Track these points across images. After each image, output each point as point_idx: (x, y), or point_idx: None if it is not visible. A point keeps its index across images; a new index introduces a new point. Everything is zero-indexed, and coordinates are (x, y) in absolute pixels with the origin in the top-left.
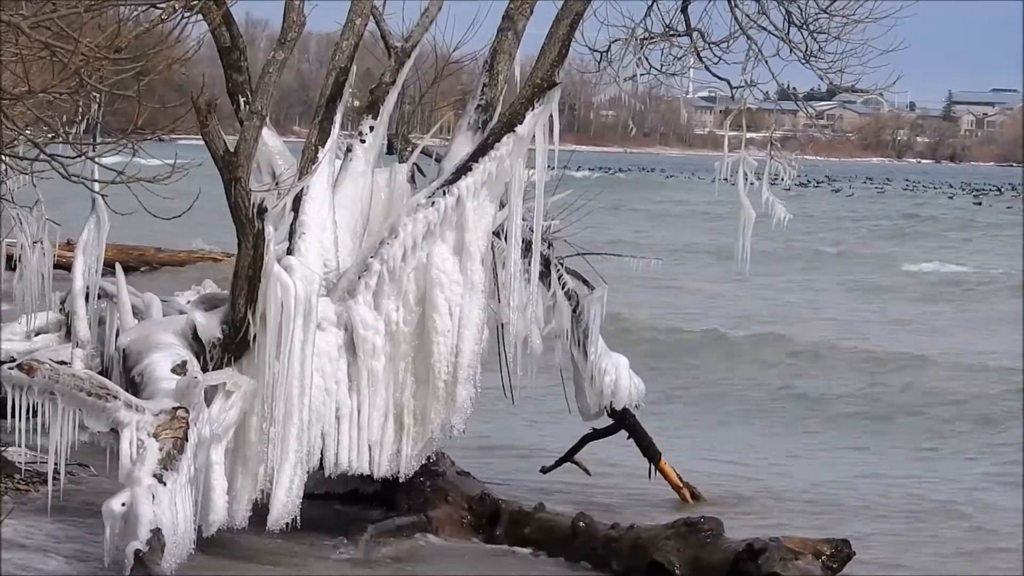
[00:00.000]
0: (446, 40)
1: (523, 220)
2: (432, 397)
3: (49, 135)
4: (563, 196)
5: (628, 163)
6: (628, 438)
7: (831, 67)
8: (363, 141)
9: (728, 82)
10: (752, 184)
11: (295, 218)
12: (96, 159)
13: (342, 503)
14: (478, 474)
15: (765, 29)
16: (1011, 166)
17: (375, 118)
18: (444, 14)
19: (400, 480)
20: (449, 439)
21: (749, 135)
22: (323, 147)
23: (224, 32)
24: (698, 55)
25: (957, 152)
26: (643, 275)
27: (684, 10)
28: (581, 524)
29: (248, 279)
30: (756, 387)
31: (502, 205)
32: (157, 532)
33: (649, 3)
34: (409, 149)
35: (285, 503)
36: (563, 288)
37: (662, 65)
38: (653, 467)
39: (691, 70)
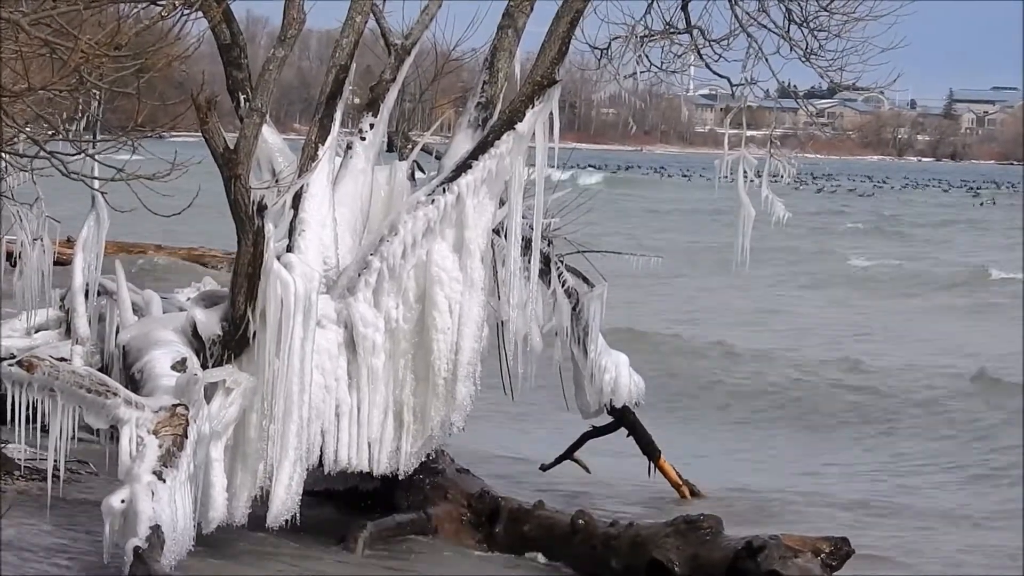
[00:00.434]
0: (446, 37)
1: (523, 218)
2: (432, 394)
3: (49, 132)
4: (563, 194)
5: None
6: (628, 436)
7: (831, 65)
8: (363, 138)
9: (728, 80)
10: (752, 182)
11: (295, 215)
12: (96, 156)
13: (341, 501)
14: (475, 473)
15: (765, 27)
16: (1011, 164)
17: (375, 115)
18: (444, 12)
19: (400, 477)
20: (449, 436)
21: (749, 133)
22: (323, 144)
23: (224, 29)
24: (698, 53)
25: (958, 150)
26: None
27: (684, 8)
28: (580, 522)
29: (248, 276)
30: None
31: (502, 203)
32: (156, 529)
33: (649, 1)
34: (409, 147)
35: (284, 500)
36: (563, 286)
37: (662, 63)
38: (653, 465)
39: (691, 68)
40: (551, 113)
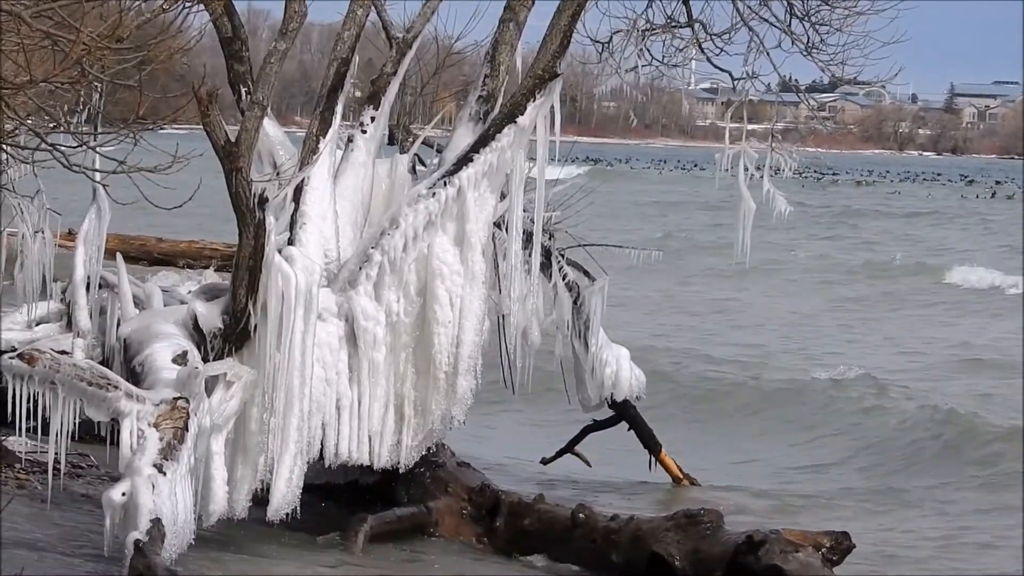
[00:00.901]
0: (448, 31)
1: (524, 211)
2: (433, 388)
3: (51, 125)
4: (564, 187)
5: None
6: (628, 430)
7: (833, 59)
8: (364, 132)
9: (730, 74)
10: (752, 176)
11: (296, 208)
12: (97, 149)
13: (342, 494)
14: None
15: (767, 21)
16: (1012, 158)
17: (376, 109)
18: (446, 5)
19: (400, 471)
20: (450, 430)
21: (750, 127)
22: (324, 137)
23: (226, 22)
24: (700, 47)
25: (959, 144)
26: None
27: (686, 1)
28: (581, 516)
29: (249, 269)
30: None
31: (503, 196)
32: (157, 522)
33: None
34: (410, 140)
35: (285, 494)
36: (564, 279)
37: (664, 56)
38: (654, 458)
39: (693, 62)
40: (552, 107)
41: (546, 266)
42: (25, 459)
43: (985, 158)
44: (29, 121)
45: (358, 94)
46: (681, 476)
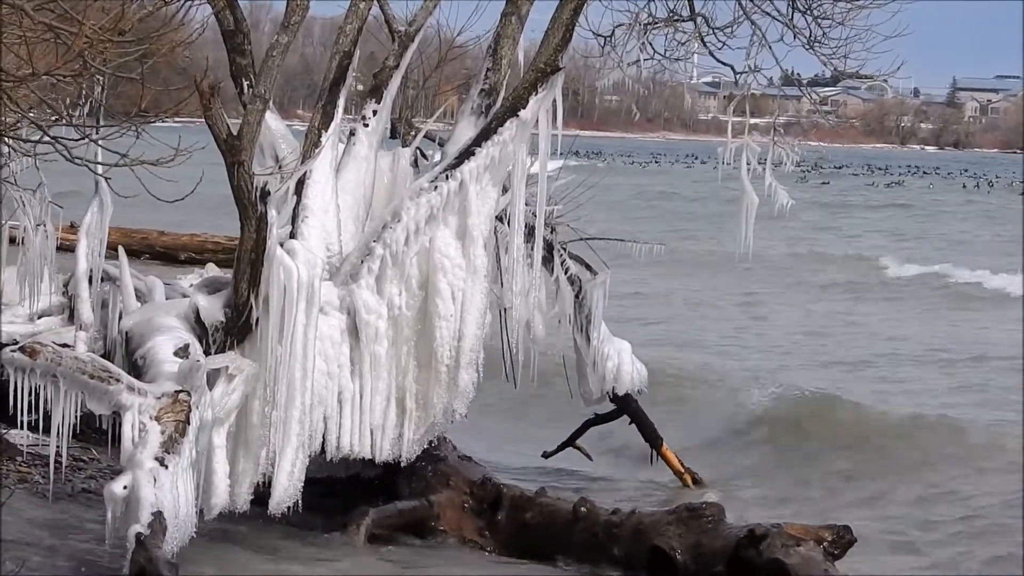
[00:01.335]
0: (450, 24)
1: (526, 205)
2: (434, 381)
3: (53, 117)
4: (566, 181)
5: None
6: (630, 423)
7: (835, 53)
8: (366, 125)
9: (732, 68)
10: (755, 169)
11: (298, 202)
12: (99, 142)
13: (343, 488)
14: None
15: (769, 14)
16: (1015, 152)
17: (378, 102)
18: None
19: (402, 465)
20: (451, 424)
21: (752, 121)
22: (326, 131)
23: (228, 15)
24: (702, 40)
25: (961, 139)
26: None
27: None
28: (583, 509)
29: (251, 263)
30: None
31: (505, 190)
32: (159, 515)
33: None
34: (412, 133)
35: (287, 487)
36: (566, 273)
37: (666, 50)
38: (655, 453)
39: (695, 55)
40: (554, 100)
41: (548, 260)
42: (27, 452)
43: (987, 152)
44: (31, 114)
45: (360, 88)
46: (683, 470)
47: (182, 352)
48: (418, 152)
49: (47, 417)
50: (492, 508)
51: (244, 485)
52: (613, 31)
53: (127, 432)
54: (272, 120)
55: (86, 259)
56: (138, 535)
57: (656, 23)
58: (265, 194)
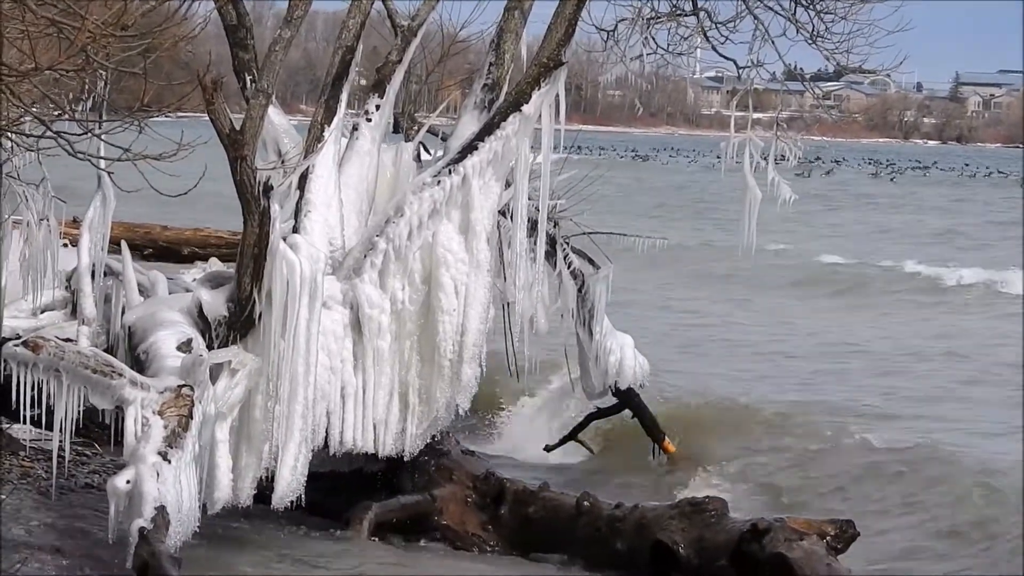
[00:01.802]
0: (453, 19)
1: (529, 199)
2: (437, 376)
3: (55, 112)
4: (569, 175)
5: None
6: (632, 417)
7: (838, 47)
8: (369, 120)
9: (735, 62)
10: (758, 164)
11: (301, 196)
12: (102, 136)
13: (346, 482)
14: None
15: (772, 9)
16: (1017, 147)
17: (381, 97)
18: None
19: (405, 459)
20: (454, 418)
21: (755, 116)
22: (329, 126)
23: (231, 10)
24: (705, 35)
25: (964, 133)
26: None
27: None
28: (585, 504)
29: (254, 257)
30: None
31: (508, 184)
32: (161, 510)
33: None
34: (415, 128)
35: (290, 482)
36: (568, 267)
37: (669, 45)
38: (657, 446)
39: (698, 50)
40: (557, 95)
41: (551, 254)
42: (30, 447)
43: (990, 147)
44: (34, 109)
45: (363, 82)
46: None
47: (185, 347)
48: (421, 147)
49: (50, 412)
50: (495, 502)
51: (247, 480)
52: (616, 26)
53: (130, 427)
54: (275, 115)
55: (89, 253)
56: (141, 529)
57: (659, 18)
58: (268, 189)
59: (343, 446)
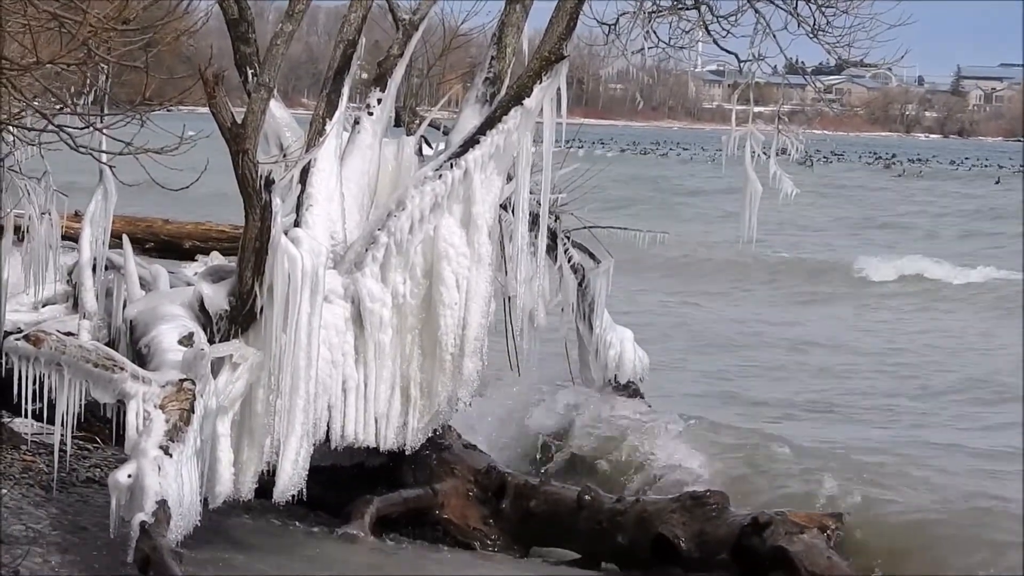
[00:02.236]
0: (454, 13)
1: (530, 193)
2: (439, 370)
3: (57, 106)
4: (570, 170)
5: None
6: None
7: (839, 41)
8: (371, 114)
9: (736, 56)
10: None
11: (302, 190)
12: (104, 130)
13: (348, 476)
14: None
15: (773, 2)
16: (1019, 141)
17: (383, 91)
18: None
19: (406, 453)
20: (456, 412)
21: (757, 109)
22: (331, 119)
23: (232, 4)
24: (706, 28)
25: (965, 127)
26: None
27: None
28: (587, 497)
29: (255, 251)
30: None
31: (510, 178)
32: (163, 504)
33: None
34: (417, 122)
35: (291, 475)
36: (569, 261)
37: (670, 38)
38: None
39: (699, 44)
40: (559, 88)
41: (551, 248)
42: (31, 441)
43: (992, 140)
44: (36, 103)
45: (365, 76)
46: None
47: (186, 340)
48: (423, 140)
49: (51, 406)
50: (496, 496)
51: (248, 474)
52: (617, 19)
53: (131, 421)
54: (276, 109)
55: (90, 247)
56: (142, 523)
57: (660, 11)
58: (269, 183)
59: (344, 440)
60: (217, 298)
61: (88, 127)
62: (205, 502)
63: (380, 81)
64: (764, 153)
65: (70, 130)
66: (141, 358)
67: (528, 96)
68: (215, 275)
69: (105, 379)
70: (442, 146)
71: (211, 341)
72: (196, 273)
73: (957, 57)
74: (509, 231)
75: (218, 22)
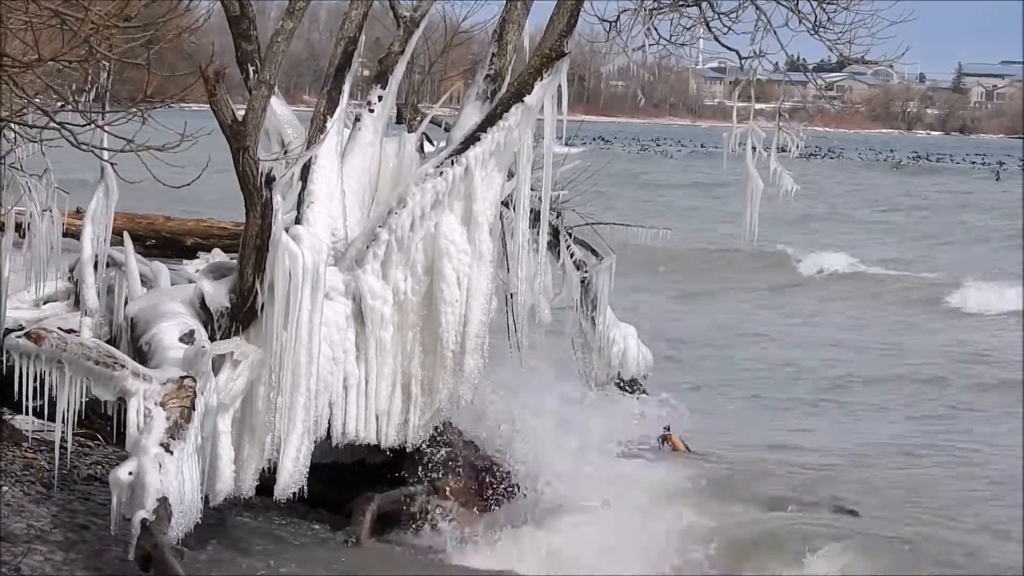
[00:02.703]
0: (455, 10)
1: (532, 190)
2: (440, 367)
3: (58, 103)
4: (572, 166)
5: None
6: None
7: (840, 38)
8: (372, 111)
9: (737, 53)
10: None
11: (303, 187)
12: (105, 127)
13: (349, 473)
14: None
15: None
16: (1020, 138)
17: (384, 88)
18: None
19: (407, 450)
20: (456, 409)
21: (758, 106)
22: (332, 116)
23: (234, 1)
24: (707, 25)
25: (967, 124)
26: None
27: None
28: None
29: (256, 248)
30: None
31: (511, 175)
32: (164, 501)
33: None
34: (418, 119)
35: (292, 473)
36: (571, 258)
37: (671, 35)
38: (660, 438)
39: (700, 40)
40: (560, 85)
41: (553, 245)
42: (32, 438)
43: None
44: (37, 99)
45: (366, 73)
46: (688, 454)
47: (187, 338)
48: (424, 137)
49: (52, 403)
50: None
51: (249, 471)
52: (618, 16)
53: (132, 418)
54: (277, 106)
55: (91, 244)
56: (143, 521)
57: (661, 8)
58: (270, 180)
59: (346, 437)
60: (218, 295)
61: (89, 124)
62: (206, 499)
63: (381, 78)
64: (765, 150)
65: (71, 127)
66: (142, 355)
67: (529, 93)
68: (216, 272)
69: (106, 376)
70: (443, 143)
71: (212, 338)
72: (197, 270)
73: (958, 54)
74: (510, 228)
75: (219, 19)
